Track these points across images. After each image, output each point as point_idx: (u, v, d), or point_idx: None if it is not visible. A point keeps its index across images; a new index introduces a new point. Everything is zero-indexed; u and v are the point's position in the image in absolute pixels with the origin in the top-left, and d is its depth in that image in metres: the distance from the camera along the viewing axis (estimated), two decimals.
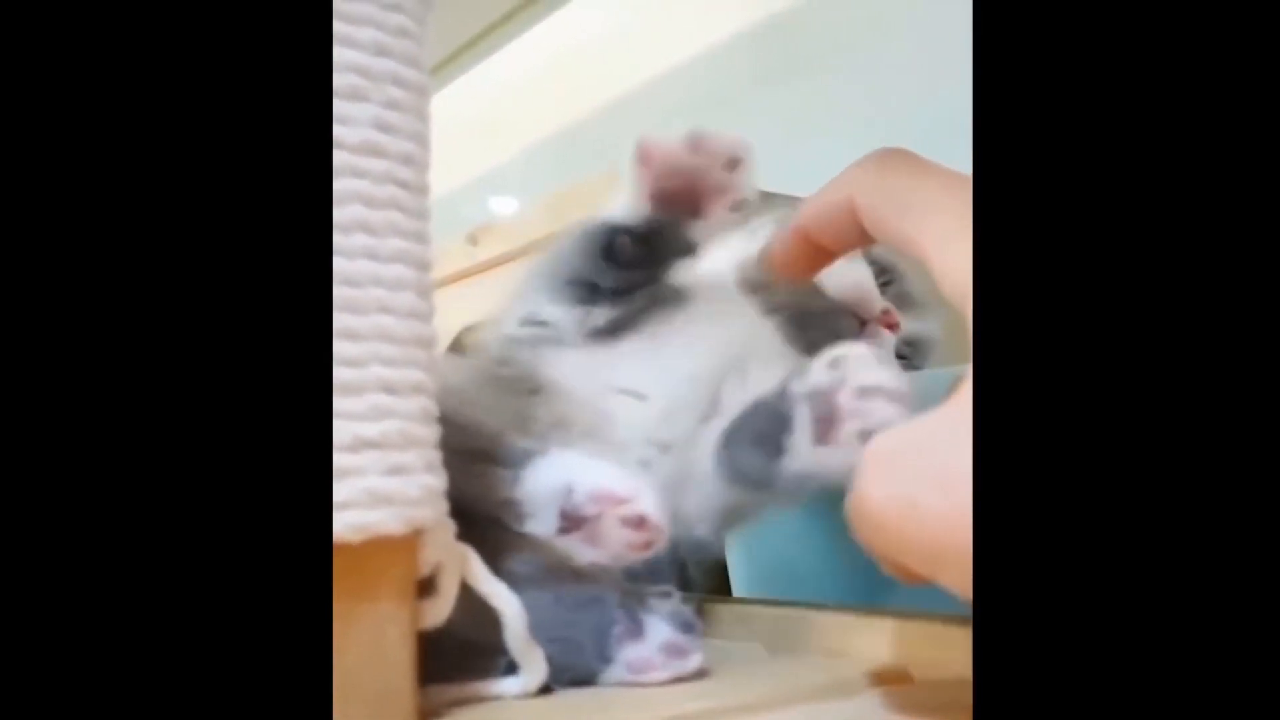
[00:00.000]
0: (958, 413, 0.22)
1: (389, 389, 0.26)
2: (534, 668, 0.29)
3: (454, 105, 1.60)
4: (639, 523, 0.30)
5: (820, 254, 0.32)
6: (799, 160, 1.06)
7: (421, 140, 0.28)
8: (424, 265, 0.28)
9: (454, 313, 0.73)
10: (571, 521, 0.30)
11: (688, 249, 0.37)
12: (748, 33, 1.12)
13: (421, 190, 0.28)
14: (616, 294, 0.37)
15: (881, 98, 0.98)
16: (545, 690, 0.30)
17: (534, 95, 1.41)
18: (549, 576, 0.30)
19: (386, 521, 0.25)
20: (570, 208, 0.60)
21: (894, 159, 0.29)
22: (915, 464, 0.22)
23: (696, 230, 0.37)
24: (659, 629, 0.30)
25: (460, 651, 0.29)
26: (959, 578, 0.21)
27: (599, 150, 1.32)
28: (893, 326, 0.42)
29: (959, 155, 0.27)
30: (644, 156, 0.35)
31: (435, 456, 0.27)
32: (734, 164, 0.35)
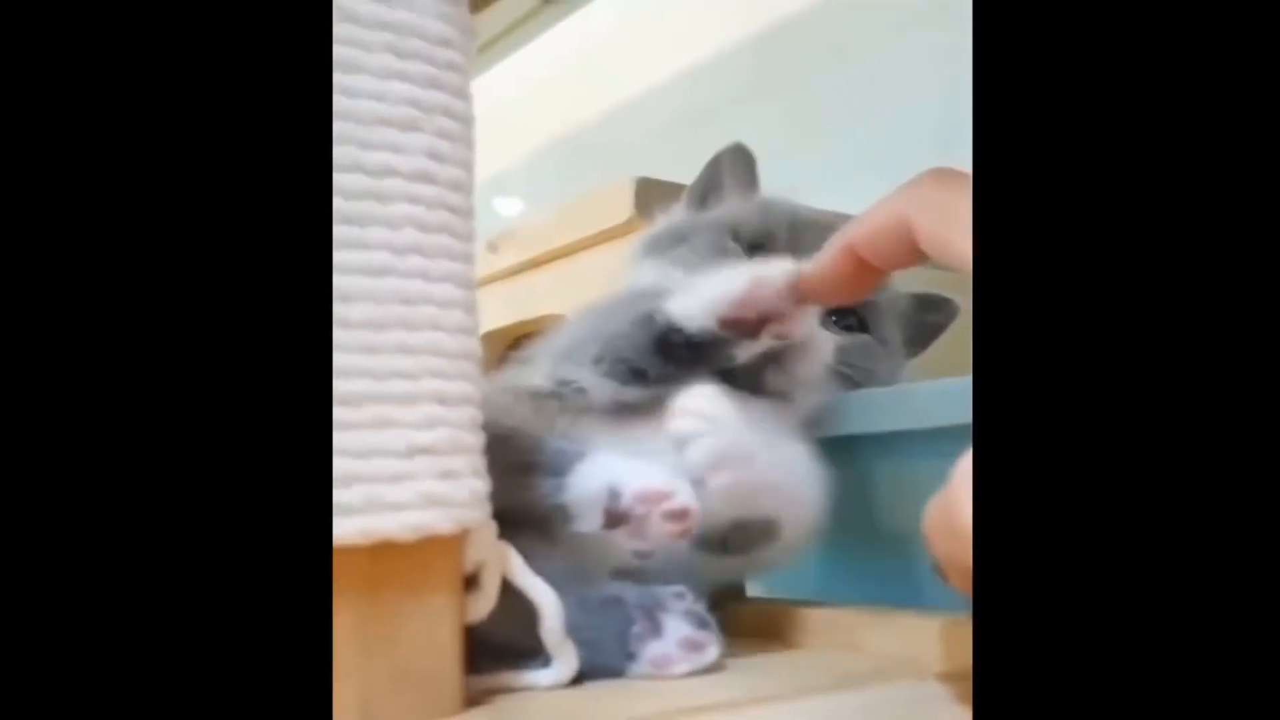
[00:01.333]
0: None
1: (441, 400, 0.28)
2: (566, 660, 0.31)
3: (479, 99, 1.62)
4: (682, 514, 0.33)
5: (867, 274, 0.33)
6: (807, 165, 1.08)
7: (469, 167, 0.30)
8: (470, 284, 0.30)
9: None
10: (617, 519, 0.33)
11: (730, 358, 0.37)
12: (753, 39, 1.13)
13: (469, 214, 0.30)
14: (656, 381, 0.37)
15: (889, 104, 0.99)
16: (576, 682, 0.32)
17: (541, 100, 1.43)
18: (574, 580, 0.32)
19: (439, 522, 0.27)
20: (588, 217, 0.62)
21: (951, 178, 0.29)
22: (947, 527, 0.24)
23: (744, 345, 0.37)
24: (677, 626, 0.32)
25: (500, 645, 0.31)
26: None
27: (605, 155, 1.34)
28: (783, 336, 0.40)
29: (961, 161, 0.28)
30: (749, 298, 0.35)
31: (481, 462, 0.30)
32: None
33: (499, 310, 0.74)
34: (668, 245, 0.47)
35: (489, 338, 0.77)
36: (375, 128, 0.28)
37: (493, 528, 0.30)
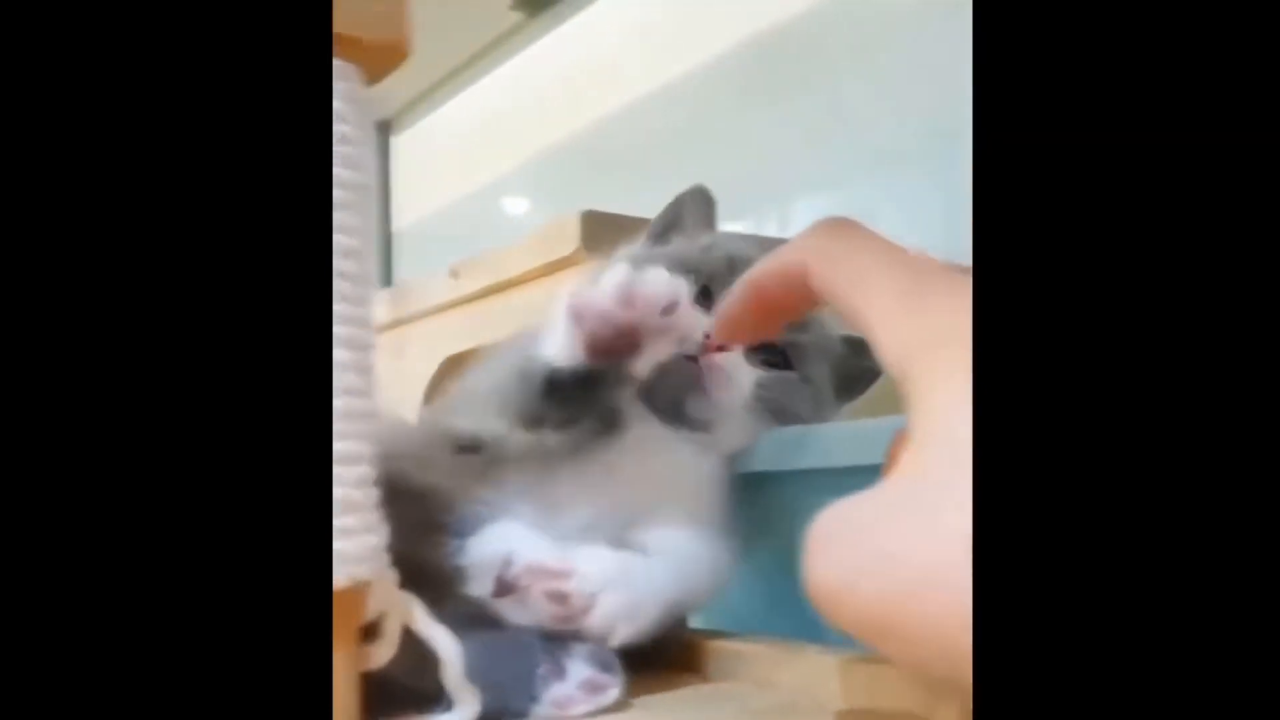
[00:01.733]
0: (895, 491, 0.23)
1: (334, 460, 0.29)
2: (468, 704, 0.32)
3: (467, 112, 1.64)
4: (562, 598, 0.33)
5: (772, 315, 0.33)
6: (806, 169, 1.09)
7: (364, 234, 0.31)
8: (366, 346, 0.31)
9: (438, 342, 0.77)
10: (504, 588, 0.34)
11: (627, 380, 0.38)
12: (754, 42, 1.14)
13: (364, 280, 0.31)
14: (560, 425, 0.38)
15: (888, 108, 1.00)
16: None
17: (545, 102, 1.45)
18: (479, 624, 0.34)
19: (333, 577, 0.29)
20: (539, 249, 0.63)
21: (844, 229, 0.29)
22: (855, 545, 0.23)
23: (637, 365, 0.37)
24: (579, 668, 0.33)
25: (402, 689, 0.32)
26: (902, 651, 0.22)
27: (608, 155, 1.35)
28: (721, 349, 0.40)
29: (963, 161, 0.27)
30: (575, 316, 0.35)
31: (374, 517, 0.31)
32: (670, 309, 0.35)
33: (462, 334, 0.76)
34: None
35: (452, 361, 0.78)
36: None
37: (393, 577, 0.32)
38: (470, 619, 0.33)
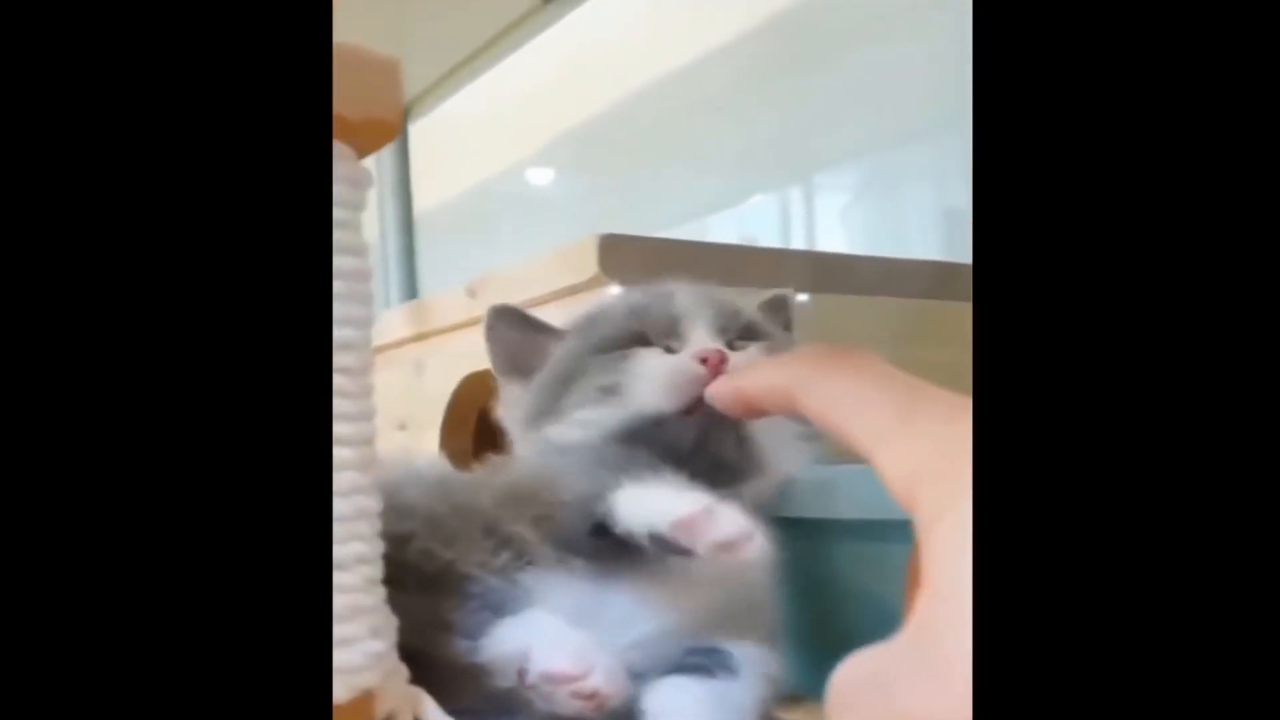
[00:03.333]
0: (913, 646, 0.22)
1: (334, 566, 0.28)
2: None
3: (486, 96, 1.63)
4: (590, 696, 0.32)
5: (764, 414, 0.34)
6: (829, 143, 1.08)
7: (364, 325, 0.30)
8: (367, 441, 0.30)
9: (456, 360, 0.76)
10: (528, 681, 0.33)
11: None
12: (776, 17, 1.12)
13: (364, 371, 0.30)
14: (589, 558, 0.37)
15: (913, 81, 0.98)
16: None
17: (566, 82, 1.43)
18: (510, 709, 0.33)
19: (335, 691, 0.28)
20: (556, 272, 0.62)
21: (833, 360, 0.29)
22: (875, 703, 0.23)
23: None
24: None
25: None
26: None
27: (630, 133, 1.34)
28: (723, 363, 0.38)
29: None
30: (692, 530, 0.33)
31: (380, 619, 0.30)
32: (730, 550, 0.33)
33: (480, 353, 0.74)
34: (586, 327, 0.46)
35: (470, 380, 0.77)
36: None
37: (403, 674, 0.31)
38: (500, 705, 0.32)
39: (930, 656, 0.21)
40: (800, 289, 0.59)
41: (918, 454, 0.25)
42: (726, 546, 0.31)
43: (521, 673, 0.32)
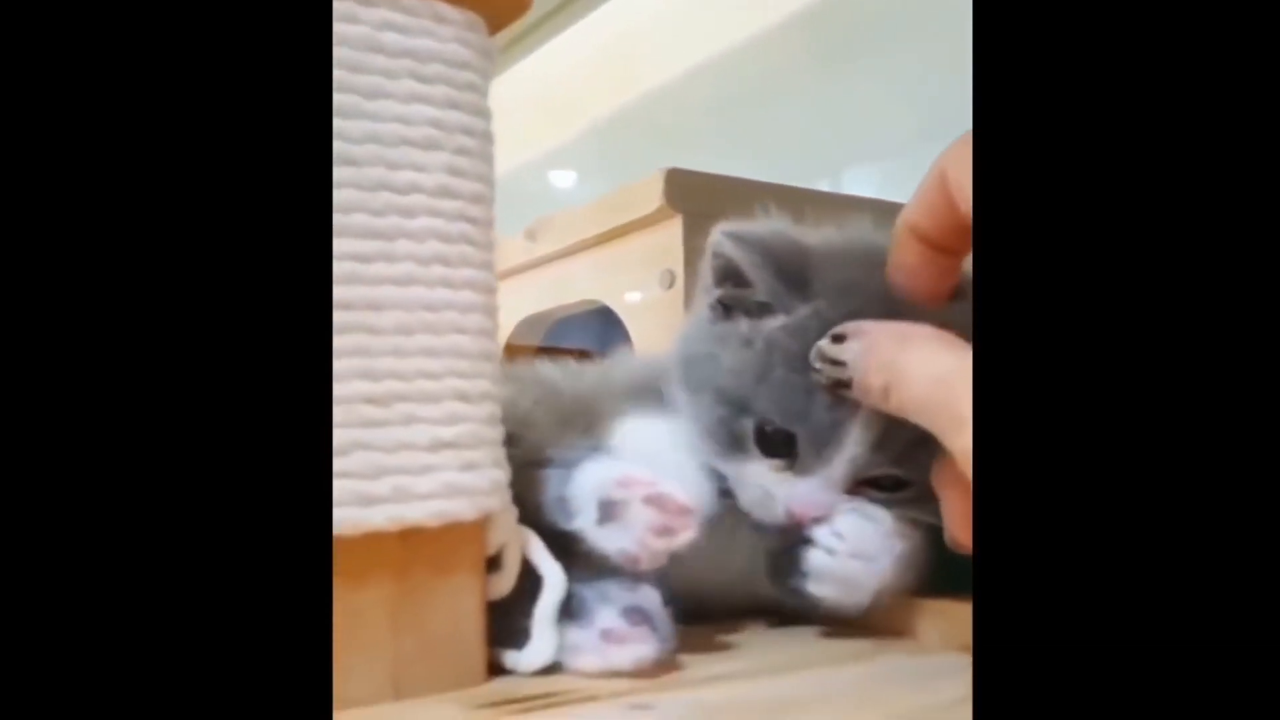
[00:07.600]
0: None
1: (463, 397, 0.30)
2: (545, 643, 0.32)
3: (518, 86, 1.65)
4: (659, 501, 0.32)
5: (936, 255, 0.34)
6: (860, 139, 1.09)
7: (488, 180, 0.32)
8: (490, 289, 0.32)
9: (511, 305, 0.78)
10: (607, 512, 0.33)
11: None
12: (807, 11, 1.13)
13: (488, 224, 0.32)
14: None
15: (935, 82, 0.99)
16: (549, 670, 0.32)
17: (594, 77, 1.45)
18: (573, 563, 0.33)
19: (461, 510, 0.30)
20: (621, 207, 0.64)
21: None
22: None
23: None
24: (605, 614, 0.32)
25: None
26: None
27: (655, 129, 1.35)
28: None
29: None
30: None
31: (501, 453, 0.32)
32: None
33: (537, 295, 0.77)
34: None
35: (529, 321, 0.79)
36: (399, 148, 0.30)
37: (513, 512, 0.33)
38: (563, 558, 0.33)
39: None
40: None
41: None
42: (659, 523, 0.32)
43: (603, 488, 0.33)
